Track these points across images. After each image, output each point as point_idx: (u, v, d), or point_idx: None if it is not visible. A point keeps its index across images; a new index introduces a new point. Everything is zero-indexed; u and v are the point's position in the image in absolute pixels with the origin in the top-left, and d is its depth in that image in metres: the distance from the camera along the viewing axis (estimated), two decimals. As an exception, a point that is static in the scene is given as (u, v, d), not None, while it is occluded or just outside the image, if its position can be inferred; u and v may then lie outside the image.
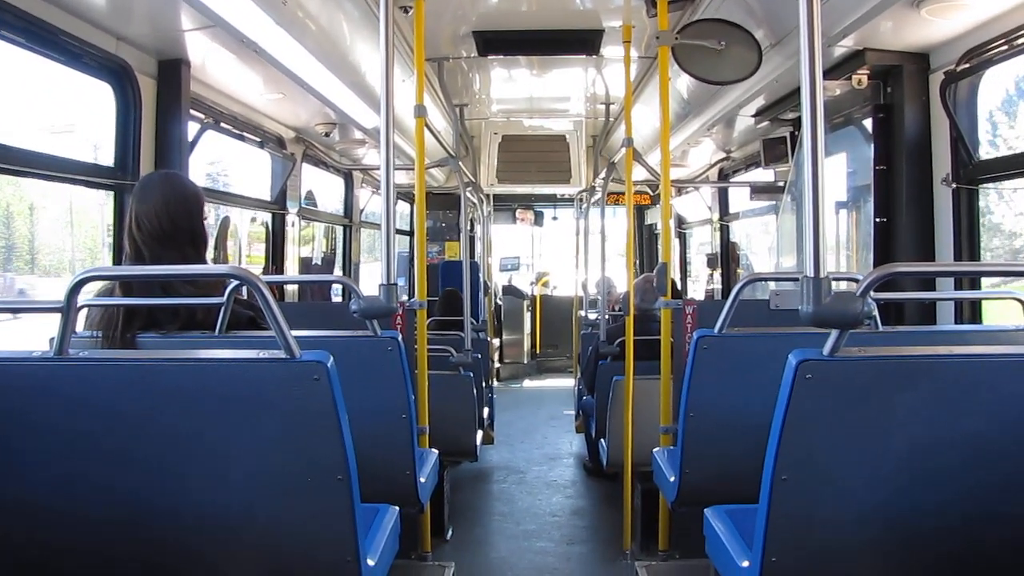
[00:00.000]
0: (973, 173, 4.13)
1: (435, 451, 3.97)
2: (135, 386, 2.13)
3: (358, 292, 3.20)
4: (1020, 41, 3.68)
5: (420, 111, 4.42)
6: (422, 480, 3.38)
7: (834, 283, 2.06)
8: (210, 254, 3.69)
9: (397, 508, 2.85)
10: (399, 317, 4.07)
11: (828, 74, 4.67)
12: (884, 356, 2.10)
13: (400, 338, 3.22)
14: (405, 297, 4.23)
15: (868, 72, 4.49)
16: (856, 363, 2.05)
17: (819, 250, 2.02)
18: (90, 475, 2.17)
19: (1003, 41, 3.75)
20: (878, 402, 2.08)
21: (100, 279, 2.65)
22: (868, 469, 2.13)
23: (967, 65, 4.00)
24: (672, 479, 3.51)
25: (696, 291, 10.93)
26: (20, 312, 2.63)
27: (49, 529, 2.21)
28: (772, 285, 4.61)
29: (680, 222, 10.89)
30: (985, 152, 4.14)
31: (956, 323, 4.18)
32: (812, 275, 2.02)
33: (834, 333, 2.02)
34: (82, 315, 3.24)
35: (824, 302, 2.00)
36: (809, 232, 2.04)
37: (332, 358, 2.08)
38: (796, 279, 2.18)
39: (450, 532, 5.57)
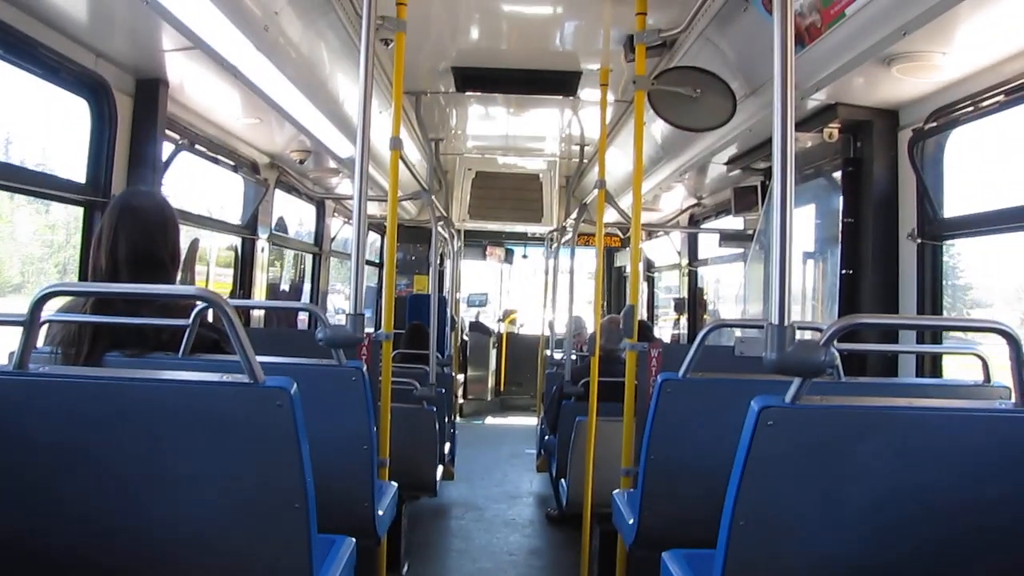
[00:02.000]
0: (937, 229, 4.20)
1: (395, 484, 3.94)
2: (95, 404, 2.11)
3: (325, 320, 3.19)
4: (985, 104, 3.76)
5: (396, 143, 4.44)
6: (380, 513, 3.35)
7: (798, 332, 2.08)
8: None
9: (354, 540, 2.83)
10: (364, 348, 4.04)
11: (800, 126, 4.74)
12: (845, 406, 2.12)
13: (365, 368, 3.20)
14: (371, 328, 4.21)
15: (839, 126, 4.56)
16: (817, 412, 2.06)
17: (784, 298, 2.04)
18: (45, 493, 2.13)
19: (969, 103, 3.83)
20: (838, 451, 2.09)
21: (65, 294, 2.63)
22: (827, 517, 2.14)
23: (935, 124, 4.08)
24: (631, 521, 3.50)
25: (662, 334, 10.98)
26: (-20, 325, 2.59)
27: (2, 545, 2.17)
28: (738, 332, 4.64)
29: (649, 266, 10.96)
30: (950, 210, 4.20)
31: (917, 376, 4.23)
32: (777, 323, 2.04)
33: (796, 381, 2.03)
34: (43, 330, 3.22)
35: (788, 350, 2.02)
36: (775, 280, 2.07)
37: (296, 385, 2.07)
38: (761, 326, 2.20)
39: (406, 567, 5.52)
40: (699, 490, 2.86)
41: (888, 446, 2.11)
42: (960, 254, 4.54)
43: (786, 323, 2.04)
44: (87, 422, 2.11)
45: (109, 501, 2.14)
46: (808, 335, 3.10)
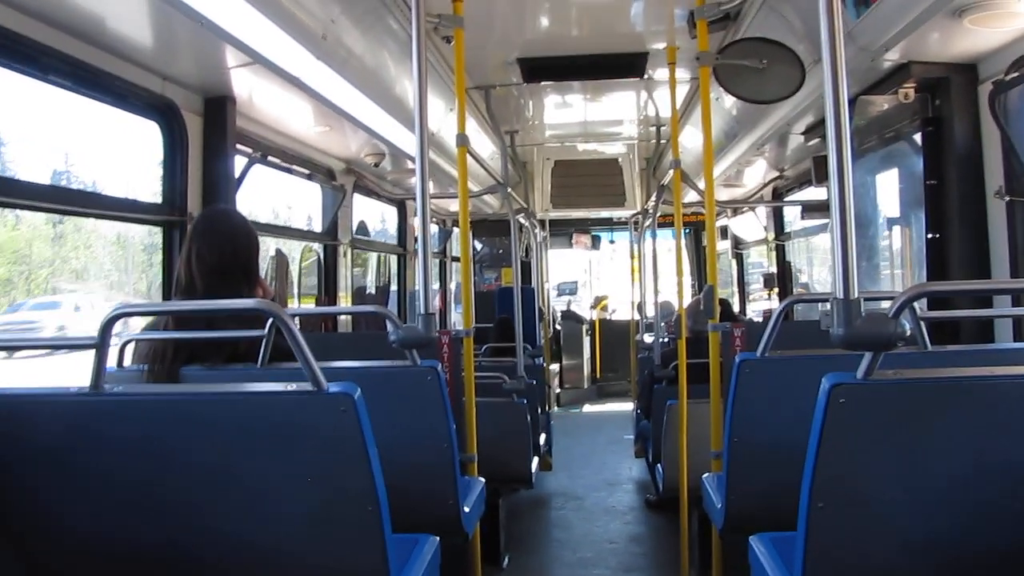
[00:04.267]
0: (1027, 184, 4.02)
1: (482, 480, 3.95)
2: (165, 420, 2.16)
3: (396, 322, 3.20)
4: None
5: (463, 140, 4.44)
6: (466, 509, 3.36)
7: (879, 303, 2.00)
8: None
9: (436, 538, 2.83)
10: (445, 345, 4.06)
11: (874, 88, 4.59)
12: (922, 378, 2.04)
13: (440, 367, 3.21)
14: (459, 325, 4.22)
15: (915, 85, 4.39)
16: (892, 386, 1.99)
17: (848, 271, 1.97)
18: (121, 509, 2.19)
19: (1053, 49, 3.66)
20: (918, 426, 2.01)
21: (133, 315, 2.69)
22: (909, 497, 2.06)
23: (1016, 74, 3.88)
24: (719, 506, 3.45)
25: (755, 311, 10.80)
26: (56, 348, 2.67)
27: (84, 564, 2.23)
28: (825, 305, 4.51)
29: (737, 242, 10.77)
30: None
31: (1015, 340, 4.06)
32: (842, 296, 1.97)
33: (868, 355, 1.96)
34: (130, 348, 3.34)
35: (855, 324, 1.95)
36: (838, 253, 2.00)
37: (360, 390, 2.08)
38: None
39: (506, 560, 5.54)
40: (783, 472, 2.78)
41: (974, 418, 2.02)
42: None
43: (852, 296, 1.97)
44: (161, 439, 2.17)
45: (185, 515, 2.19)
46: (888, 305, 3.00)
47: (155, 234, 4.49)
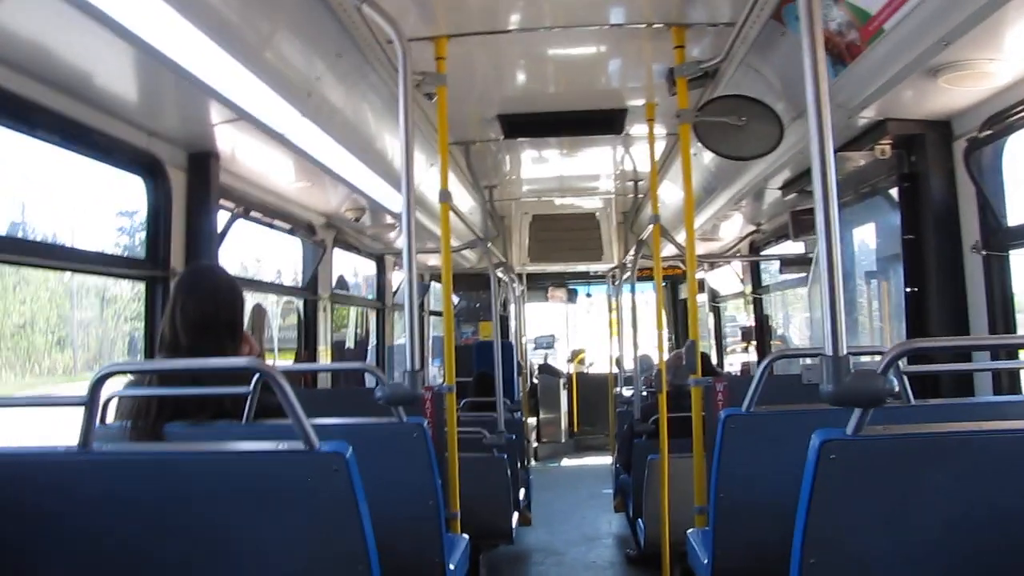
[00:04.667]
0: (1003, 239, 4.08)
1: (466, 536, 3.92)
2: (156, 479, 2.14)
3: (382, 379, 3.20)
4: (1041, 106, 3.67)
5: (445, 196, 4.48)
6: (451, 567, 3.33)
7: (865, 357, 2.02)
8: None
9: None
10: (428, 401, 4.05)
11: (851, 145, 4.67)
12: (911, 434, 2.06)
13: (426, 423, 3.20)
14: (439, 380, 4.21)
15: (891, 141, 4.47)
16: (882, 441, 2.00)
17: (836, 327, 1.99)
18: (111, 570, 2.16)
19: (1023, 108, 3.74)
20: (907, 481, 2.02)
21: (122, 372, 2.67)
22: (900, 551, 2.06)
23: (990, 131, 3.97)
24: (705, 561, 3.43)
25: (733, 365, 10.83)
26: (45, 407, 2.64)
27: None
28: (807, 360, 4.55)
29: (714, 296, 10.84)
30: (1014, 218, 4.09)
31: (994, 393, 4.09)
32: (831, 353, 1.99)
33: (857, 412, 1.97)
34: (113, 405, 3.30)
35: (845, 380, 1.97)
36: (826, 309, 2.02)
37: (351, 448, 2.07)
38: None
39: (488, 618, 5.48)
40: (771, 528, 2.78)
41: (961, 472, 2.04)
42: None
43: (841, 352, 1.99)
44: (151, 498, 2.14)
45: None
46: (868, 359, 3.03)
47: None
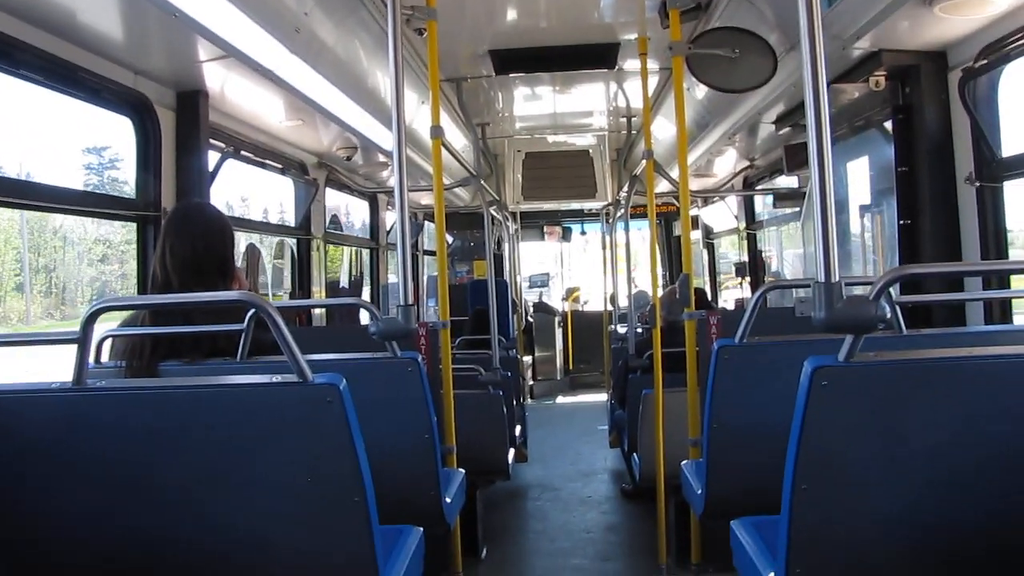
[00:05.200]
0: (996, 170, 4.07)
1: (462, 471, 3.96)
2: (150, 414, 2.15)
3: (376, 314, 3.21)
4: (1037, 35, 3.64)
5: (436, 132, 4.44)
6: (447, 500, 3.37)
7: (857, 288, 2.03)
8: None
9: (421, 529, 2.84)
10: (423, 338, 4.06)
11: (845, 77, 4.63)
12: (901, 360, 2.07)
13: (421, 358, 3.22)
14: (434, 317, 4.22)
15: (885, 73, 4.43)
16: (873, 368, 2.02)
17: (829, 255, 1.99)
18: (109, 504, 2.18)
19: (1021, 36, 3.70)
20: (898, 407, 2.04)
21: (114, 309, 2.66)
22: (890, 476, 2.09)
23: (985, 61, 3.94)
24: (699, 492, 3.48)
25: (727, 300, 10.87)
26: (37, 344, 2.64)
27: (69, 558, 2.22)
28: (801, 292, 4.56)
29: (708, 232, 10.83)
30: (1008, 149, 4.07)
31: (985, 324, 4.11)
32: (823, 280, 1.99)
33: (849, 338, 1.98)
34: (107, 345, 3.31)
35: (836, 307, 1.97)
36: (819, 237, 2.02)
37: (344, 380, 2.08)
38: (818, 284, 2.14)
39: (484, 551, 5.55)
40: (764, 456, 2.81)
41: (950, 398, 2.05)
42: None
43: (833, 279, 1.99)
44: (146, 433, 2.16)
45: (170, 508, 2.18)
46: (862, 290, 3.04)
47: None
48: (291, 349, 2.05)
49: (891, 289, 2.07)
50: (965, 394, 2.06)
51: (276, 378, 2.11)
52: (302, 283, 6.73)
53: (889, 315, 1.99)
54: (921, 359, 2.10)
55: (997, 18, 3.76)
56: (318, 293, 6.88)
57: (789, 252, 9.29)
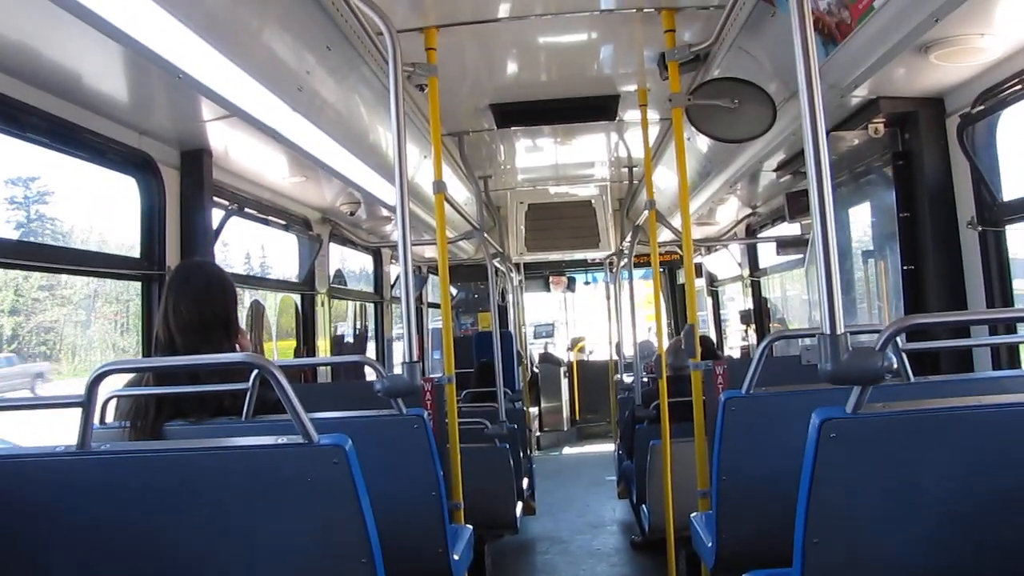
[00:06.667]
0: (998, 214, 4.07)
1: (469, 527, 3.92)
2: (156, 477, 2.14)
3: (381, 372, 3.20)
4: (1033, 81, 3.66)
5: (439, 187, 4.47)
6: (455, 558, 3.33)
7: (862, 336, 2.02)
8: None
9: None
10: (428, 393, 4.04)
11: (844, 124, 4.66)
12: (910, 411, 2.05)
13: (427, 415, 3.20)
14: (438, 371, 4.21)
15: (884, 120, 4.46)
16: (881, 419, 2.00)
17: (833, 306, 1.99)
18: (113, 568, 2.16)
19: (1017, 81, 3.72)
20: (907, 457, 2.02)
21: (119, 372, 2.67)
22: (903, 527, 2.06)
23: (983, 107, 3.96)
24: (710, 544, 3.44)
25: (732, 348, 10.83)
26: (42, 408, 2.63)
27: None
28: (806, 340, 4.54)
29: (712, 280, 10.83)
30: (1009, 193, 4.08)
31: (994, 367, 4.09)
32: (829, 332, 1.98)
33: (856, 390, 1.97)
34: (112, 405, 3.30)
35: (843, 358, 1.97)
36: (823, 288, 2.01)
37: (350, 441, 2.07)
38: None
39: (494, 607, 5.49)
40: (774, 508, 2.79)
41: (960, 448, 2.04)
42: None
43: (838, 331, 1.98)
44: (151, 495, 2.14)
45: (174, 572, 2.16)
46: (867, 338, 3.02)
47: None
48: (296, 410, 2.04)
49: (898, 337, 2.06)
50: (975, 443, 2.04)
51: (281, 440, 2.10)
52: (307, 338, 6.72)
53: (896, 365, 1.98)
54: (930, 409, 2.08)
55: (992, 65, 3.79)
56: (324, 348, 6.87)
57: (794, 299, 9.28)
